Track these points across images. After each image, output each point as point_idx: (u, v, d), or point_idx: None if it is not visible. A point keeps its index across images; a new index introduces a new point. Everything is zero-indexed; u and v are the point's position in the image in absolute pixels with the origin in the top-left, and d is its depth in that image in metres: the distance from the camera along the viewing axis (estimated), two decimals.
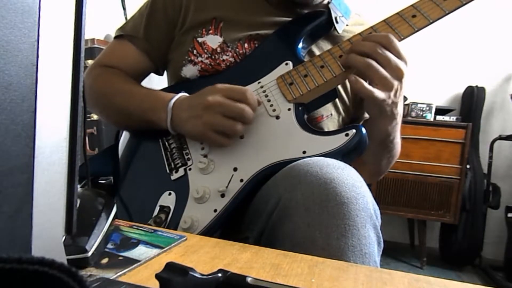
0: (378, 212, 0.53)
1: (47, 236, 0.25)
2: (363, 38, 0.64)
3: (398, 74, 0.59)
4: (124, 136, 0.76)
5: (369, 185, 0.55)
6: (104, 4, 2.10)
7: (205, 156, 0.64)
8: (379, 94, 0.60)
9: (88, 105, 0.80)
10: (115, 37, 0.80)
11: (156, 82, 0.86)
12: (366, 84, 0.60)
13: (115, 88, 0.74)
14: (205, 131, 0.61)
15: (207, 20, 0.73)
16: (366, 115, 0.78)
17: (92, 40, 1.87)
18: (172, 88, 0.75)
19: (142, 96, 0.70)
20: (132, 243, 0.43)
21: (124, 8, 2.18)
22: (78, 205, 0.28)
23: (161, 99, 0.66)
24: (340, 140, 0.59)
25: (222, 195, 0.60)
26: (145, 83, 0.81)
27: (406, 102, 2.32)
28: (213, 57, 0.72)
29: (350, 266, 0.41)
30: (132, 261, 0.38)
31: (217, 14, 0.73)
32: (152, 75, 0.83)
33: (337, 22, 0.72)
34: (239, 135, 0.62)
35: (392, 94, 0.60)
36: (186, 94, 0.66)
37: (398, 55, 0.60)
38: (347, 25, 0.75)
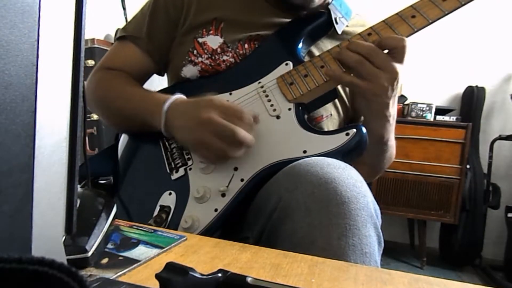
0: (379, 211, 0.53)
1: (47, 236, 0.25)
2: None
3: (392, 75, 0.59)
4: (124, 136, 0.76)
5: (369, 185, 0.55)
6: (104, 4, 2.10)
7: None
8: (364, 86, 0.59)
9: (90, 108, 0.80)
10: (118, 38, 0.80)
11: (157, 82, 0.86)
12: (345, 74, 0.60)
13: (115, 91, 0.74)
14: (194, 147, 0.61)
15: (207, 20, 0.73)
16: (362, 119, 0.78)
17: (92, 40, 1.87)
18: (172, 89, 0.75)
19: (139, 99, 0.70)
20: (132, 243, 0.43)
21: (124, 8, 2.18)
22: (78, 205, 0.28)
23: (157, 102, 0.65)
24: (340, 139, 0.59)
25: (223, 195, 0.60)
26: (146, 83, 0.81)
27: (406, 102, 2.32)
28: (213, 57, 0.72)
29: (350, 266, 0.41)
30: (132, 261, 0.38)
31: (218, 15, 0.73)
32: (153, 75, 0.83)
33: (336, 23, 0.72)
34: (231, 157, 0.59)
35: (383, 92, 0.60)
36: (183, 96, 0.66)
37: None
38: (347, 26, 0.75)
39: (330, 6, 0.72)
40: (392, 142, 0.73)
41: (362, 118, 0.76)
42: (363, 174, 0.56)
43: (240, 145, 0.58)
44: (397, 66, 0.59)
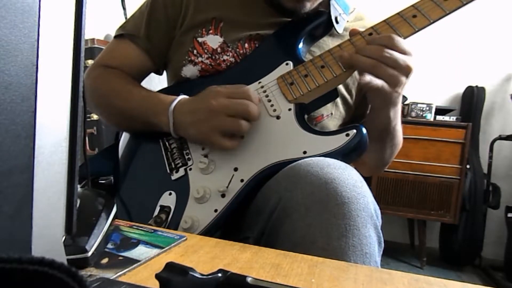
0: (379, 212, 0.53)
1: (47, 236, 0.25)
2: (367, 41, 0.63)
3: (407, 71, 0.60)
4: (124, 136, 0.76)
5: (369, 185, 0.55)
6: (104, 4, 2.10)
7: (206, 156, 0.64)
8: (387, 89, 0.60)
9: (88, 106, 0.80)
10: (116, 37, 0.80)
11: (156, 82, 0.86)
12: (375, 79, 0.60)
13: (114, 89, 0.73)
14: (211, 135, 0.61)
15: (207, 20, 0.73)
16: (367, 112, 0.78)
17: (92, 40, 1.87)
18: (172, 88, 0.75)
19: (141, 98, 0.70)
20: (132, 243, 0.43)
21: (124, 8, 2.18)
22: (78, 205, 0.28)
23: (161, 102, 0.66)
24: (340, 140, 0.59)
25: (223, 195, 0.60)
26: (145, 83, 0.81)
27: (406, 102, 2.31)
28: (213, 57, 0.72)
29: (350, 266, 0.41)
30: (132, 261, 0.38)
31: (217, 14, 0.73)
32: (152, 74, 0.83)
33: (337, 22, 0.72)
34: (245, 132, 0.61)
35: (399, 87, 0.61)
36: (186, 97, 0.66)
37: (404, 52, 0.59)
38: (347, 21, 0.75)
39: (331, 2, 0.72)
40: (398, 127, 0.73)
41: (368, 111, 0.75)
42: (371, 168, 0.56)
43: (253, 118, 0.61)
44: (408, 60, 0.59)
